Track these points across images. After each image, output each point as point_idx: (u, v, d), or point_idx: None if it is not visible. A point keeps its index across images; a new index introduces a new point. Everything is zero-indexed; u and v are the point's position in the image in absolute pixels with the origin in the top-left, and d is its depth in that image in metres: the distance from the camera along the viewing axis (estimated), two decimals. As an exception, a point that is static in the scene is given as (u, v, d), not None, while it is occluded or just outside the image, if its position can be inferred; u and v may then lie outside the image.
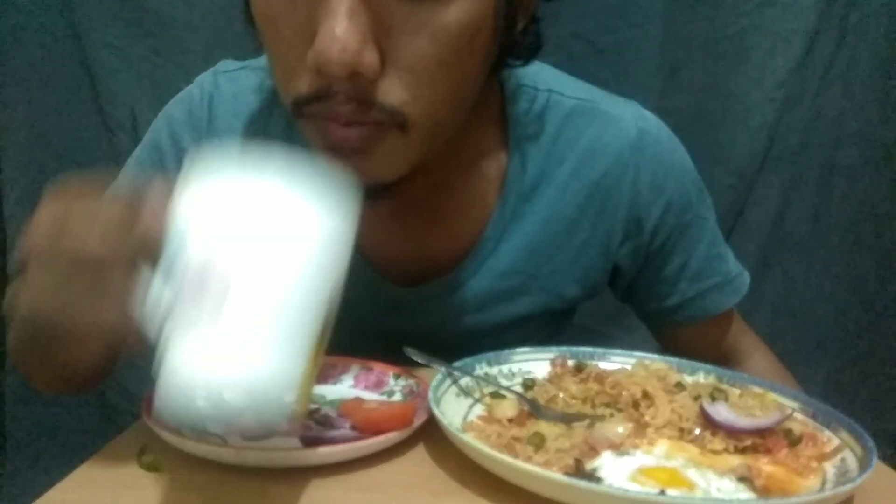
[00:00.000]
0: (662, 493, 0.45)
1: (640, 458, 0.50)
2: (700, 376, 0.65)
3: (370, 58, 0.48)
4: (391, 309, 0.74)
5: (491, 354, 0.66)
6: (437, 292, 0.72)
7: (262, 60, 0.70)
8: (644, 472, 0.48)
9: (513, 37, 0.58)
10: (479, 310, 0.74)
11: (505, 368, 0.66)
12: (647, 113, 0.76)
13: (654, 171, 0.72)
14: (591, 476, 0.48)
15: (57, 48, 1.14)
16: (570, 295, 0.75)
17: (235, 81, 0.72)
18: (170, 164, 0.71)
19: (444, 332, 0.74)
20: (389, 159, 0.54)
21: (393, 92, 0.50)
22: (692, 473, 0.48)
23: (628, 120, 0.73)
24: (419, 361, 0.64)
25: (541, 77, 0.72)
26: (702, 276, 0.77)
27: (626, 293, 0.82)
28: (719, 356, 0.82)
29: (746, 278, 0.80)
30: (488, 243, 0.72)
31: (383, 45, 0.48)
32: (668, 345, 0.85)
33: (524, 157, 0.70)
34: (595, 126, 0.72)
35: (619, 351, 0.69)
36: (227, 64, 0.74)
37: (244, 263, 0.40)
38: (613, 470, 0.48)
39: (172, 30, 1.13)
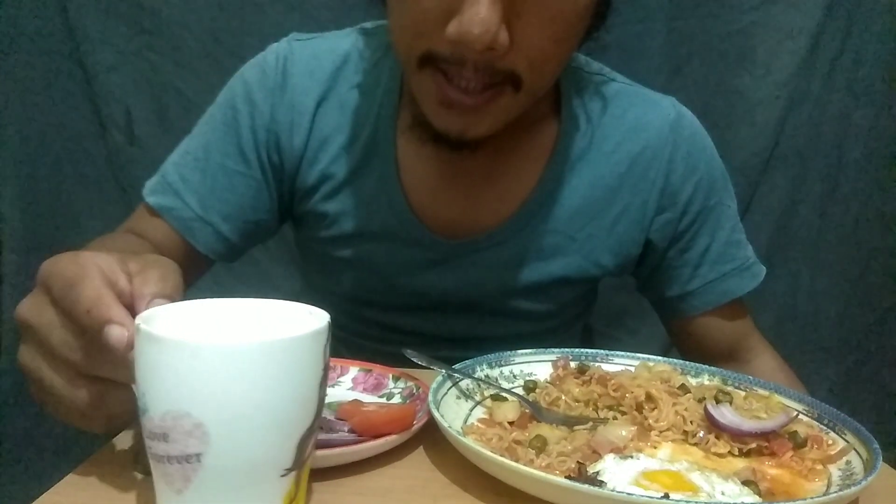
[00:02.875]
0: (666, 497, 0.44)
1: (644, 461, 0.50)
2: (704, 378, 0.65)
3: (504, 37, 0.57)
4: (436, 261, 0.79)
5: (492, 356, 0.66)
6: (481, 245, 0.78)
7: (334, 33, 0.80)
8: (647, 476, 0.48)
9: (600, 15, 0.67)
10: (519, 266, 0.78)
11: (506, 370, 0.66)
12: (681, 105, 0.83)
13: (689, 151, 0.79)
14: (594, 480, 0.47)
15: (52, 45, 1.14)
16: (603, 262, 0.80)
17: (308, 46, 0.78)
18: (243, 122, 0.77)
19: (484, 287, 0.79)
20: (497, 117, 0.65)
21: (516, 63, 0.60)
22: (696, 477, 0.48)
23: (668, 104, 0.81)
24: (419, 363, 0.63)
25: (590, 63, 0.81)
26: (723, 260, 0.81)
27: (650, 278, 0.85)
28: (729, 352, 0.84)
29: (762, 268, 0.84)
30: (533, 205, 0.77)
31: (512, 25, 0.58)
32: (681, 338, 0.87)
33: (574, 129, 0.77)
34: (639, 106, 0.80)
35: (622, 353, 0.68)
36: (299, 34, 0.80)
37: (204, 411, 0.38)
38: (616, 473, 0.48)
39: (168, 27, 1.13)
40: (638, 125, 0.79)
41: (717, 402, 0.57)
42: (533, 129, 0.77)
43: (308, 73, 0.76)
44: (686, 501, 0.44)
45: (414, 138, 0.73)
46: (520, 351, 0.68)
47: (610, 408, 0.58)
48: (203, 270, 0.82)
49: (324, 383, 0.42)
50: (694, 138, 0.80)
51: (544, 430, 0.55)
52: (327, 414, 0.56)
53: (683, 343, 0.87)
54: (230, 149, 0.77)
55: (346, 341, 0.87)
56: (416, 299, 0.80)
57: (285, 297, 0.48)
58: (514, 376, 0.66)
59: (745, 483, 0.48)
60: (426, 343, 0.82)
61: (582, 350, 0.69)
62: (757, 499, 0.47)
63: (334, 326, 0.43)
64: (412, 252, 0.78)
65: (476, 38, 0.56)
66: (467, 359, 0.64)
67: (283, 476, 0.40)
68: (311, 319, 0.44)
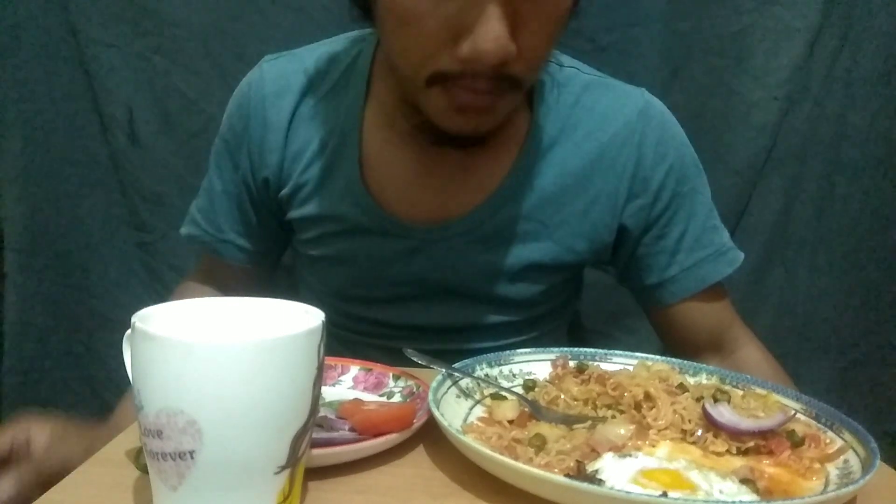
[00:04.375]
0: (664, 495, 0.44)
1: (642, 460, 0.50)
2: (702, 377, 0.65)
3: (513, 48, 0.60)
4: (413, 250, 0.80)
5: (492, 355, 0.66)
6: (453, 231, 0.79)
7: (302, 49, 0.83)
8: (646, 475, 0.48)
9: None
10: (493, 250, 0.80)
11: (506, 369, 0.66)
12: (651, 95, 0.84)
13: (658, 138, 0.80)
14: (593, 478, 0.47)
15: (54, 46, 1.13)
16: (577, 248, 0.81)
17: (276, 66, 0.83)
18: (231, 151, 0.84)
19: (460, 272, 0.81)
20: (501, 113, 0.69)
21: (519, 66, 0.63)
22: (694, 475, 0.48)
23: (637, 94, 0.83)
24: (419, 362, 0.63)
25: (563, 57, 0.83)
26: (699, 246, 0.83)
27: (628, 266, 0.86)
28: (713, 343, 0.86)
29: (740, 254, 0.85)
30: (505, 192, 0.79)
31: (516, 34, 0.60)
32: (664, 328, 0.88)
33: (545, 119, 0.79)
34: (609, 96, 0.81)
35: (620, 352, 0.69)
36: (270, 55, 0.84)
37: (200, 409, 0.38)
38: (615, 472, 0.48)
39: (170, 28, 1.13)
40: (608, 114, 0.80)
41: (715, 400, 0.57)
42: (506, 121, 0.77)
43: (278, 93, 0.80)
44: (684, 500, 0.45)
45: (391, 139, 0.77)
46: (519, 350, 0.68)
47: (609, 406, 0.59)
48: (265, 270, 0.92)
49: (318, 382, 0.42)
50: (663, 126, 0.82)
51: (543, 428, 0.55)
52: (328, 413, 0.56)
53: (667, 334, 0.88)
54: (226, 175, 0.85)
55: (343, 339, 0.88)
56: (399, 289, 0.82)
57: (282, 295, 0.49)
58: (514, 375, 0.66)
59: (743, 481, 0.48)
60: (416, 335, 0.83)
61: (581, 349, 0.69)
62: (755, 497, 0.47)
63: (330, 325, 0.43)
64: (387, 244, 0.80)
65: (492, 54, 0.59)
66: (459, 348, 0.65)
67: (276, 474, 0.41)
68: (307, 318, 0.44)
